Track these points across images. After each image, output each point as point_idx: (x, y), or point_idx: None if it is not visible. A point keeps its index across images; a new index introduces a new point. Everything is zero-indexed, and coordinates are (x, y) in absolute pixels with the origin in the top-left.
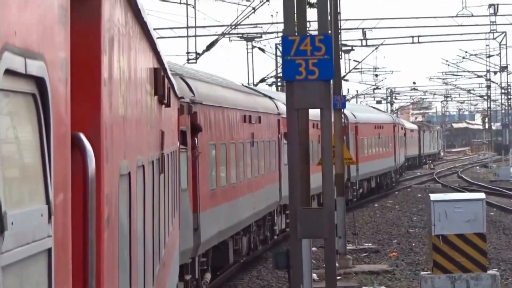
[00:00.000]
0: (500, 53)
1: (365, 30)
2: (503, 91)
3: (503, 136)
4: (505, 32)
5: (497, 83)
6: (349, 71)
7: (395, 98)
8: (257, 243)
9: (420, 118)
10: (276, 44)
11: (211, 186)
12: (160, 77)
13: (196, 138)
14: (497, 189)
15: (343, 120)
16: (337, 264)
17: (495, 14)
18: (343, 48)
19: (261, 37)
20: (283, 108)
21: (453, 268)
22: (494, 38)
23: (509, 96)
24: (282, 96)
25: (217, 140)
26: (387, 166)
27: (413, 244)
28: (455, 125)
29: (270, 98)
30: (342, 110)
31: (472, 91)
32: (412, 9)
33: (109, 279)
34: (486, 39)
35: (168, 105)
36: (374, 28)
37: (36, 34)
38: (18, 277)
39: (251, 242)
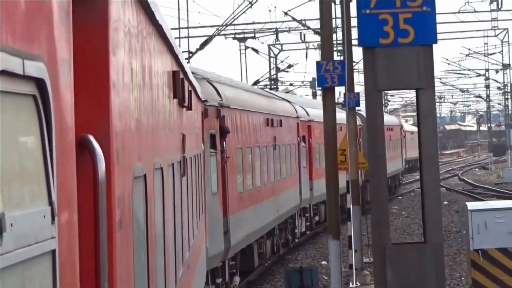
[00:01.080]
0: (502, 50)
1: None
2: (506, 89)
3: (507, 136)
4: (507, 28)
5: (499, 82)
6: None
7: (388, 101)
8: (279, 246)
9: (411, 121)
10: (269, 46)
11: (239, 190)
12: (179, 80)
13: (224, 142)
14: (507, 192)
15: (358, 121)
16: (356, 284)
17: (498, 9)
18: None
19: (254, 37)
20: (301, 111)
21: (495, 287)
22: (496, 35)
23: (506, 96)
24: (299, 100)
25: (243, 143)
26: (396, 168)
27: None
28: (447, 127)
29: (288, 101)
30: (356, 109)
31: (468, 91)
32: None
33: (124, 282)
34: (486, 36)
35: (189, 108)
36: None
37: (35, 35)
38: (20, 278)
39: (274, 245)
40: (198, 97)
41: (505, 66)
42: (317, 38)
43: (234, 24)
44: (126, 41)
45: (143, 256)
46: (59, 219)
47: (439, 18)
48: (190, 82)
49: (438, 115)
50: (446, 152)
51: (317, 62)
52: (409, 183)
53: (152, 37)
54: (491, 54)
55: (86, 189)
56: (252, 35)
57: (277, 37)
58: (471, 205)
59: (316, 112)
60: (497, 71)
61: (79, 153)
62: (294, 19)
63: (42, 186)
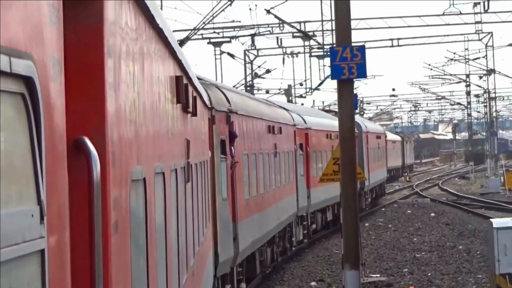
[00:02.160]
0: (486, 55)
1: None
2: (490, 95)
3: (490, 145)
4: (491, 32)
5: (482, 87)
6: (324, 79)
7: (364, 108)
8: (277, 254)
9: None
10: (245, 51)
11: (246, 196)
12: (182, 85)
13: (232, 147)
14: (496, 203)
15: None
16: None
17: (485, 11)
18: (314, 54)
19: (230, 41)
20: (298, 119)
21: None
22: (480, 39)
23: (485, 103)
24: (295, 107)
25: (249, 150)
26: (382, 177)
27: (429, 274)
28: (421, 136)
29: (285, 109)
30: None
31: (445, 98)
32: (395, 9)
33: (120, 285)
34: (467, 40)
35: (194, 114)
36: (353, 29)
37: (23, 34)
38: (7, 277)
39: (274, 253)
40: (204, 103)
41: (489, 72)
42: (295, 43)
43: (208, 28)
44: (123, 43)
45: (142, 260)
46: (49, 219)
47: (423, 21)
48: (195, 88)
49: (411, 124)
50: (422, 161)
51: (332, 49)
52: (389, 193)
53: (153, 40)
54: (475, 59)
55: (81, 190)
56: (228, 39)
57: (253, 42)
58: (497, 222)
59: (313, 120)
60: (480, 77)
61: (74, 155)
62: (276, 17)
63: (30, 185)
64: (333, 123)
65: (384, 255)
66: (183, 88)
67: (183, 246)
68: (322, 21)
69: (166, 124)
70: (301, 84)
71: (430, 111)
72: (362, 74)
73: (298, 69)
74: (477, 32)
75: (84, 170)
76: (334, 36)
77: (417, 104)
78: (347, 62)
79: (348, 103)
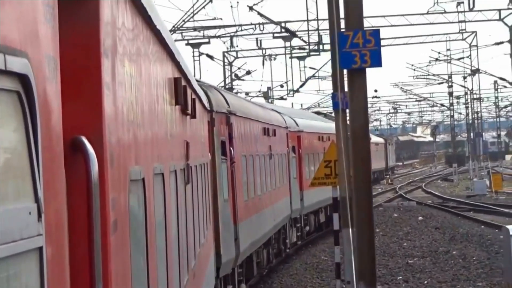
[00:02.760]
0: (470, 55)
1: (321, 33)
2: (474, 96)
3: (473, 146)
4: (475, 32)
5: (466, 87)
6: (306, 80)
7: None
8: (273, 256)
9: None
10: (224, 52)
11: (245, 197)
12: (181, 87)
13: (231, 148)
14: (484, 206)
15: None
16: None
17: (470, 9)
18: (295, 55)
19: (209, 42)
20: (290, 121)
21: None
22: (463, 39)
23: (467, 105)
24: (286, 110)
25: (247, 151)
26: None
27: (425, 282)
28: (400, 138)
29: (278, 112)
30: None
31: (426, 100)
32: (378, 8)
33: (120, 284)
34: (449, 40)
35: (193, 116)
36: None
37: (18, 32)
38: (5, 274)
39: (270, 255)
40: (203, 105)
41: (474, 72)
42: (275, 44)
43: (189, 28)
44: (120, 43)
45: (142, 260)
46: (46, 216)
47: (407, 20)
48: (194, 91)
49: (390, 126)
50: (402, 164)
51: (340, 34)
52: (373, 196)
53: (150, 41)
54: (459, 59)
55: (79, 189)
56: (207, 40)
57: (232, 43)
58: None
59: (305, 122)
60: (464, 77)
61: (72, 154)
62: (259, 14)
63: (27, 183)
64: (324, 125)
65: (376, 262)
66: (181, 90)
67: (184, 247)
68: (308, 20)
69: (165, 126)
70: (281, 86)
71: (409, 113)
72: (377, 62)
73: (279, 71)
74: (460, 31)
75: (82, 169)
76: (319, 35)
77: (396, 106)
78: (359, 49)
79: (360, 96)
